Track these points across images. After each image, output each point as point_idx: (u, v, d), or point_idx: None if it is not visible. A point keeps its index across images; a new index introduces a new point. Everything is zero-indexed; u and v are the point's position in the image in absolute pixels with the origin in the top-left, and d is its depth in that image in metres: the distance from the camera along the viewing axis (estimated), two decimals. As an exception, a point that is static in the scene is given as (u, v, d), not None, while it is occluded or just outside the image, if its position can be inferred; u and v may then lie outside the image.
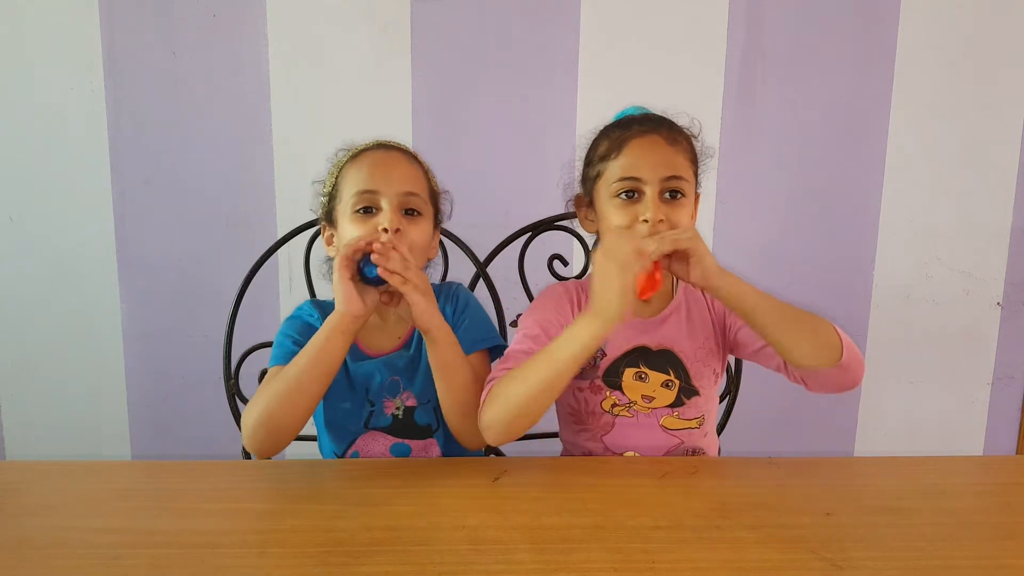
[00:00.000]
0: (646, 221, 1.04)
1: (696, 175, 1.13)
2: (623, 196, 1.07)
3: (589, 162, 1.15)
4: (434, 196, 1.15)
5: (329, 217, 1.13)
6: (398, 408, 1.14)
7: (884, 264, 1.98)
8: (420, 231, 1.09)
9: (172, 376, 1.97)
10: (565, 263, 1.41)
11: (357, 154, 1.12)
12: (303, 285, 1.42)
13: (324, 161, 1.85)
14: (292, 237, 1.41)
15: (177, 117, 1.86)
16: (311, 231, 1.41)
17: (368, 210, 1.07)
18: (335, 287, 1.01)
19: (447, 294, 1.19)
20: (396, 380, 1.14)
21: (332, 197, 1.12)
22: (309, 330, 1.11)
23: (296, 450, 1.73)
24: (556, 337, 1.00)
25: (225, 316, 1.37)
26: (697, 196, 1.15)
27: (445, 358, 1.05)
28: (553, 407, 1.19)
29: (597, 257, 0.97)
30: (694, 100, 1.89)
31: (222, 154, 1.88)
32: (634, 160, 1.07)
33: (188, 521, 0.86)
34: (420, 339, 1.13)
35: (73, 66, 1.83)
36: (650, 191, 1.06)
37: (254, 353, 1.38)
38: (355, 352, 1.13)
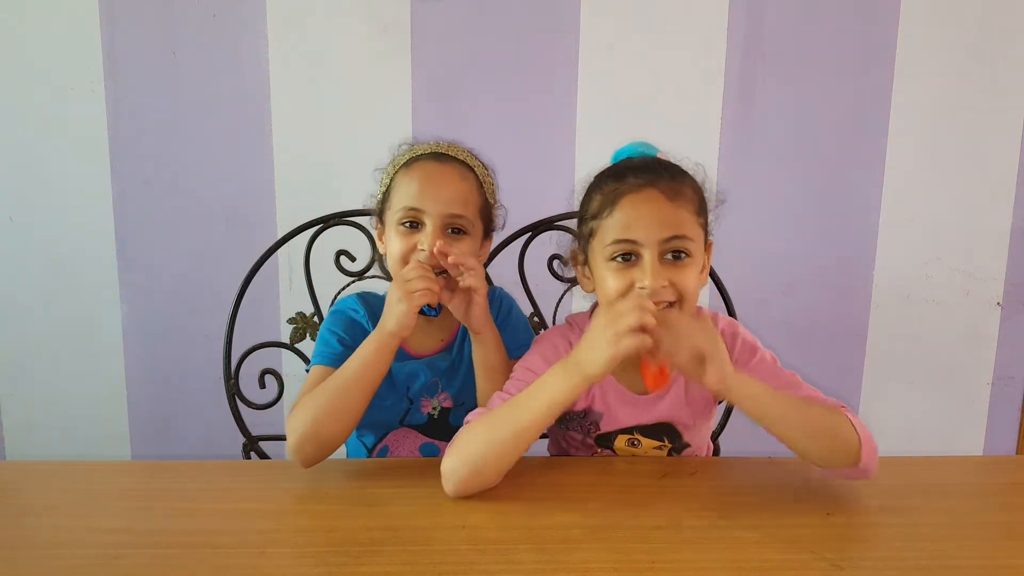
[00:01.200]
0: (643, 288, 0.93)
1: (706, 224, 1.02)
2: (619, 259, 0.96)
3: (582, 218, 1.04)
4: (485, 210, 1.13)
5: (381, 216, 1.14)
6: (435, 408, 1.16)
7: (884, 264, 1.98)
8: (462, 249, 1.06)
9: (172, 376, 1.97)
10: (565, 263, 1.41)
11: (411, 162, 1.10)
12: (303, 285, 1.42)
13: (324, 161, 1.86)
14: (292, 237, 1.41)
15: (177, 117, 1.86)
16: (311, 231, 1.41)
17: (413, 224, 1.07)
18: (393, 307, 1.01)
19: (491, 297, 1.18)
20: (436, 381, 1.15)
21: (385, 199, 1.12)
22: (354, 327, 1.13)
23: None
24: (528, 387, 0.94)
25: (225, 316, 1.37)
26: (709, 244, 1.04)
27: (492, 360, 1.08)
28: None
29: (600, 314, 0.90)
30: (694, 100, 1.90)
31: (222, 154, 1.88)
32: (629, 220, 0.95)
33: (188, 521, 0.86)
34: (462, 342, 1.15)
35: (73, 66, 1.82)
36: (648, 255, 0.94)
37: (254, 353, 1.38)
38: (399, 352, 1.13)
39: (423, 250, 1.05)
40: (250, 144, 1.87)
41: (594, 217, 1.00)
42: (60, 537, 0.83)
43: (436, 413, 1.15)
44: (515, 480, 0.97)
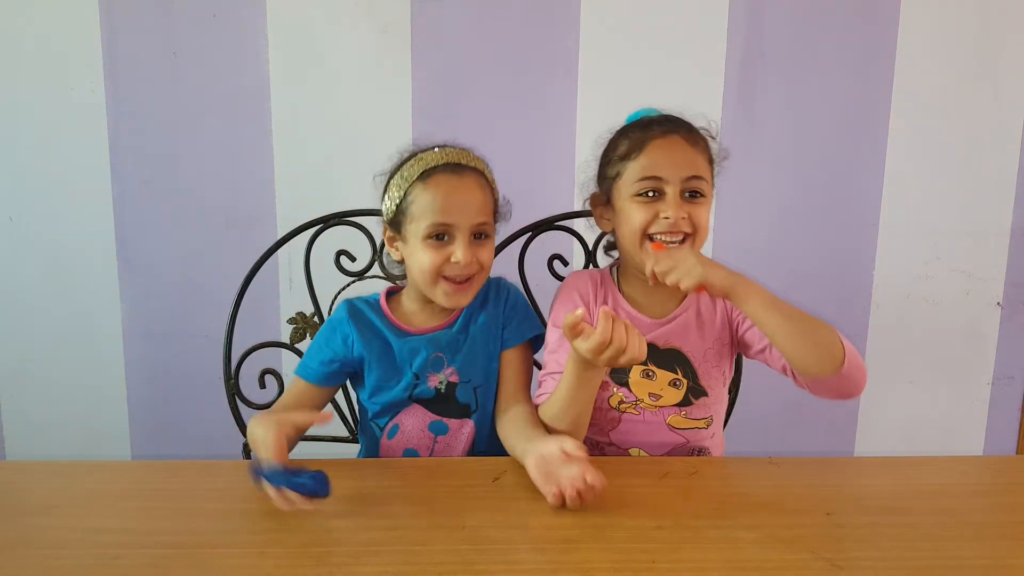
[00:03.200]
0: (667, 218, 1.07)
1: (712, 176, 1.14)
2: (646, 195, 1.09)
3: (607, 162, 1.15)
4: (496, 208, 1.18)
5: (396, 227, 1.15)
6: (441, 382, 1.17)
7: (884, 264, 1.98)
8: (488, 251, 1.14)
9: (172, 376, 1.97)
10: (565, 263, 1.41)
11: (428, 175, 1.11)
12: (303, 285, 1.42)
13: (324, 161, 1.86)
14: (292, 237, 1.41)
15: (177, 117, 1.86)
16: (311, 231, 1.41)
17: (441, 237, 1.10)
18: (261, 438, 0.92)
19: (495, 289, 1.22)
20: (440, 356, 1.17)
21: (401, 212, 1.13)
22: (333, 340, 1.18)
23: (296, 450, 1.73)
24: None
25: (225, 316, 1.37)
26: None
27: None
28: None
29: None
30: (694, 100, 1.88)
31: (222, 154, 1.88)
32: (656, 160, 1.08)
33: (188, 521, 0.86)
34: (467, 321, 1.18)
35: (73, 66, 1.83)
36: (671, 190, 1.07)
37: (254, 353, 1.38)
38: (397, 331, 1.18)
39: (457, 262, 1.09)
40: (250, 144, 1.87)
41: (621, 160, 1.12)
42: (60, 537, 0.83)
43: (443, 387, 1.17)
44: (515, 480, 0.97)
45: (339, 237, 1.40)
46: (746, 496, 0.94)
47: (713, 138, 1.16)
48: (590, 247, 1.45)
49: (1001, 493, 1.00)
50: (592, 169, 1.20)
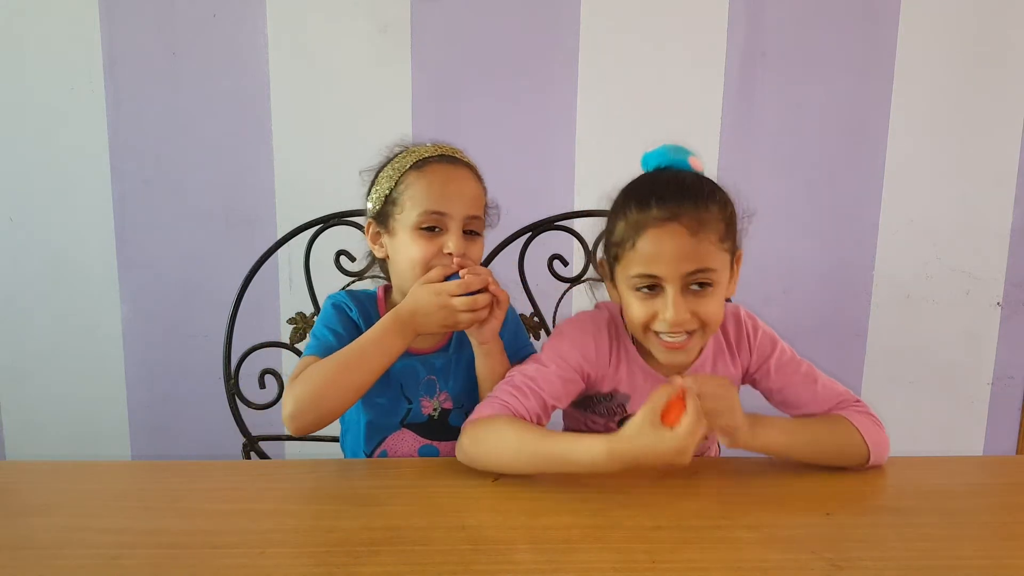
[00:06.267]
0: (666, 321, 0.96)
1: (733, 243, 1.02)
2: (644, 290, 0.98)
3: (608, 240, 1.04)
4: (487, 210, 1.15)
5: (383, 220, 1.12)
6: (435, 409, 1.15)
7: (884, 264, 1.98)
8: (478, 249, 1.11)
9: (172, 376, 1.97)
10: (565, 263, 1.41)
11: (422, 164, 1.10)
12: (303, 285, 1.42)
13: (324, 161, 1.86)
14: (292, 237, 1.41)
15: (177, 117, 1.86)
16: (311, 231, 1.41)
17: (433, 228, 1.07)
18: (433, 314, 1.02)
19: None
20: (432, 380, 1.15)
21: (390, 202, 1.10)
22: (348, 323, 1.13)
23: (296, 450, 1.73)
24: (568, 437, 0.95)
25: (225, 316, 1.37)
26: (739, 255, 1.05)
27: (498, 371, 1.08)
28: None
29: (651, 424, 0.86)
30: (694, 100, 1.90)
31: (222, 154, 1.88)
32: (651, 255, 0.95)
33: (188, 521, 0.86)
34: (459, 342, 1.15)
35: (73, 66, 1.82)
36: (670, 289, 0.96)
37: (254, 353, 1.38)
38: None
39: (450, 252, 1.06)
40: (250, 144, 1.87)
41: (618, 244, 1.00)
42: (60, 537, 0.83)
43: (436, 414, 1.15)
44: (515, 480, 0.97)
45: (339, 237, 1.40)
46: (746, 496, 0.94)
47: (729, 204, 1.03)
48: (590, 247, 1.45)
49: (1001, 493, 1.01)
50: (600, 227, 1.08)
